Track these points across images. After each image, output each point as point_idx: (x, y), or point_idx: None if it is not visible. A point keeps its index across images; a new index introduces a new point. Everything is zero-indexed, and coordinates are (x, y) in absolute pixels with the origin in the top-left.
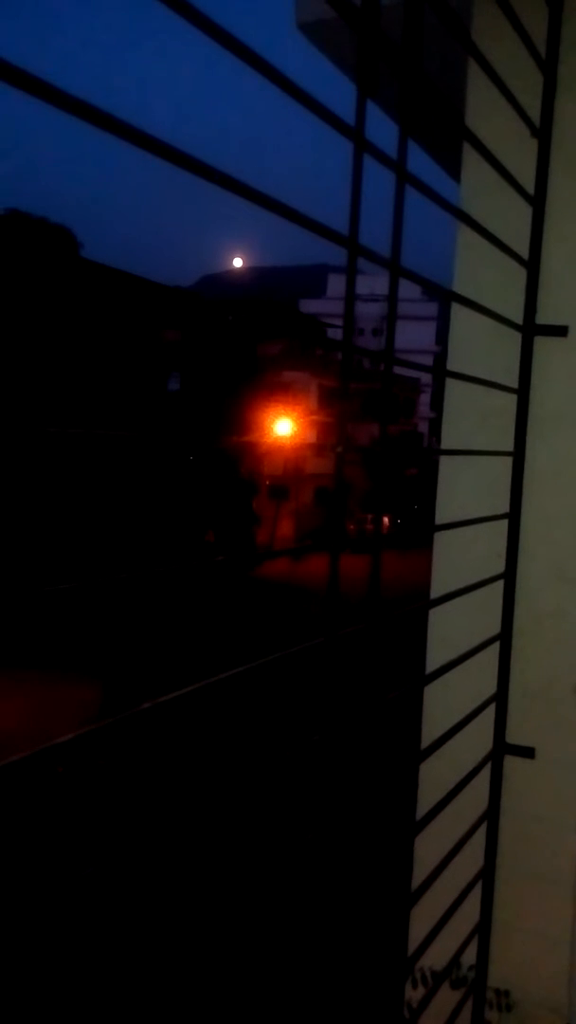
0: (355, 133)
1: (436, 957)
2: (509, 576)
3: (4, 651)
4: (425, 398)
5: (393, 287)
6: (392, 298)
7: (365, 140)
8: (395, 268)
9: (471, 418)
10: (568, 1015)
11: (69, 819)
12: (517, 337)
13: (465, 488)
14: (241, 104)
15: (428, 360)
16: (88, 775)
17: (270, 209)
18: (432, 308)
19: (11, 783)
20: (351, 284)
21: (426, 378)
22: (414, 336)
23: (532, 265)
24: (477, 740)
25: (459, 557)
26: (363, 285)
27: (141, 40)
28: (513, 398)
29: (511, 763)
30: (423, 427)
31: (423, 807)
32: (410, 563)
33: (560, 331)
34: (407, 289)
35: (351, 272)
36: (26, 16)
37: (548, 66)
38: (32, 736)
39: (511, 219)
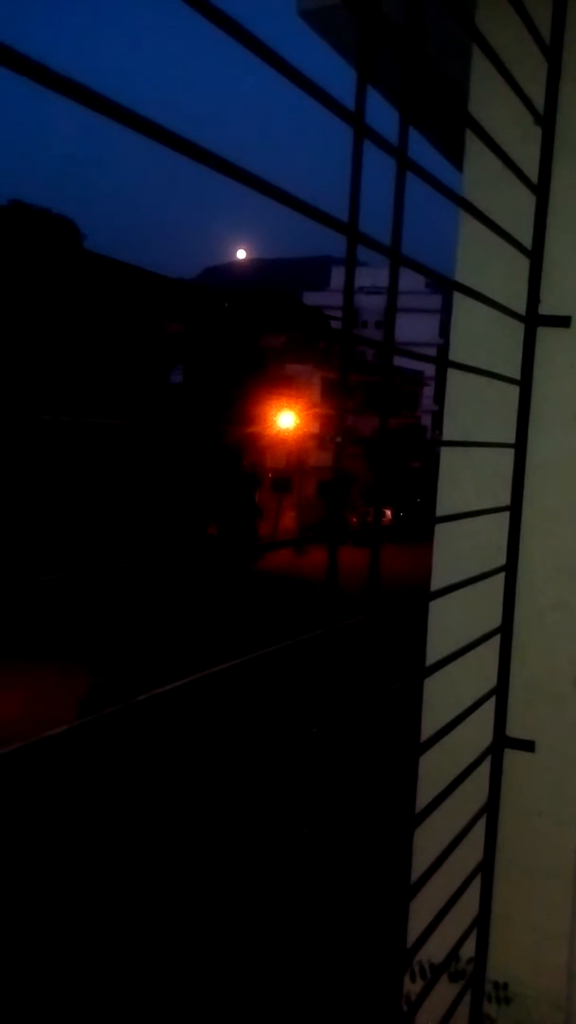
0: (355, 118)
1: (435, 950)
2: (510, 569)
3: (5, 642)
4: (429, 391)
5: (393, 276)
6: (392, 287)
7: (365, 125)
8: (395, 256)
9: (473, 410)
10: (567, 1008)
11: (70, 810)
12: (520, 328)
13: (466, 480)
14: (242, 93)
15: (431, 353)
16: (86, 767)
17: (266, 194)
18: (436, 301)
19: (8, 773)
20: (350, 271)
21: (430, 371)
22: (418, 329)
23: (535, 255)
24: (477, 733)
25: (460, 550)
26: (368, 278)
27: (140, 23)
28: (515, 390)
29: (511, 756)
30: (427, 420)
31: (423, 800)
32: (414, 556)
33: (563, 322)
34: (411, 281)
35: (350, 259)
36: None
37: (552, 53)
38: (33, 727)
39: (514, 208)
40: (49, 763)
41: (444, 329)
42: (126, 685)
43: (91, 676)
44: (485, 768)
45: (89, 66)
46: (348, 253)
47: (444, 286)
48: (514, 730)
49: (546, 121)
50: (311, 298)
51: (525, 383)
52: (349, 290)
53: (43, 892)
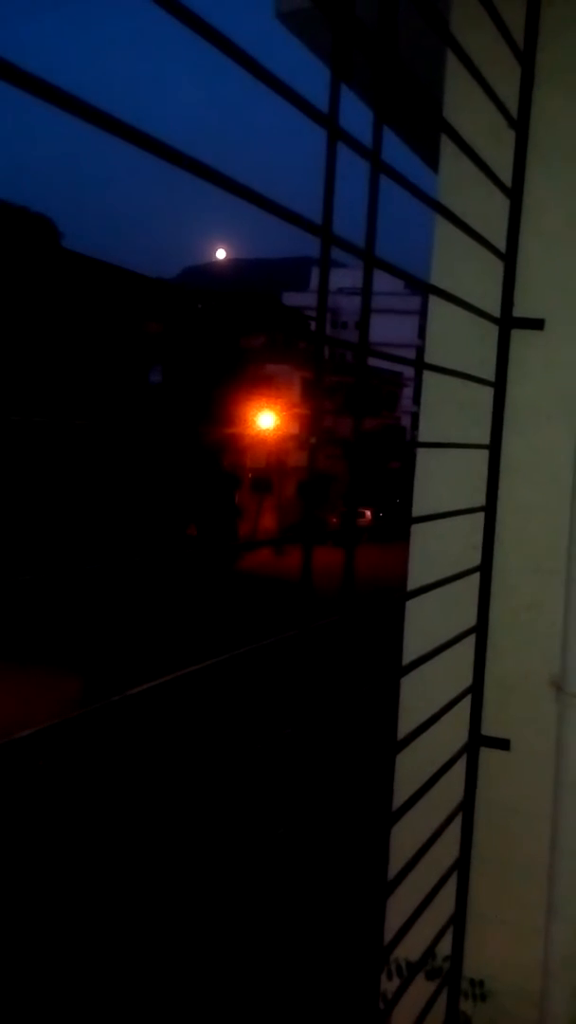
0: (328, 121)
1: (411, 948)
2: (485, 568)
3: None
4: (409, 392)
5: (367, 278)
6: (366, 289)
7: (339, 128)
8: (369, 258)
9: (448, 411)
10: (542, 1005)
11: (46, 811)
12: (494, 330)
13: (442, 480)
14: (215, 93)
15: (411, 354)
16: (64, 769)
17: (239, 195)
18: (415, 302)
19: None
20: (324, 273)
21: (410, 372)
22: (396, 330)
23: (509, 258)
24: (453, 732)
25: (436, 549)
26: (348, 278)
27: (115, 28)
28: (490, 391)
29: (487, 755)
30: (406, 421)
31: (399, 798)
32: (394, 555)
33: (537, 324)
34: (389, 283)
35: (324, 262)
36: None
37: (526, 57)
38: (11, 729)
39: (489, 211)
40: (25, 765)
41: (423, 330)
42: (108, 687)
43: (86, 679)
44: (461, 766)
45: (61, 68)
46: (322, 255)
47: (418, 289)
48: (489, 728)
49: (520, 125)
50: (291, 298)
51: (499, 385)
52: (323, 292)
53: (11, 897)
